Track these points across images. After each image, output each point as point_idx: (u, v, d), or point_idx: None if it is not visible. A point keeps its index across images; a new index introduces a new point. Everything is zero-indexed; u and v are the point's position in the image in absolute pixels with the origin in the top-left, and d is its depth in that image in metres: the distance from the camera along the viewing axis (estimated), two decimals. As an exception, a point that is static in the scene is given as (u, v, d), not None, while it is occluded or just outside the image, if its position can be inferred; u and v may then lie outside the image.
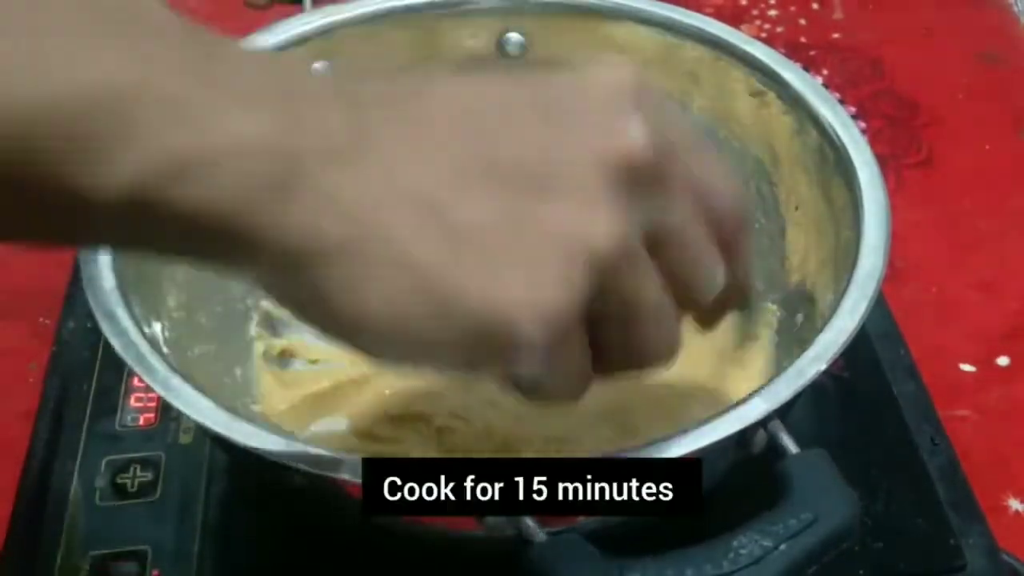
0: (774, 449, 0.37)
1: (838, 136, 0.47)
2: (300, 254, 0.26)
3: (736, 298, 0.35)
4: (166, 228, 0.25)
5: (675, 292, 0.31)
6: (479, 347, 0.28)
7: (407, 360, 0.29)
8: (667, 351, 0.32)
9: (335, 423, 0.51)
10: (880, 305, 0.58)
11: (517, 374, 0.30)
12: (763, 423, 0.37)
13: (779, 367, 0.40)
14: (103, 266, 0.41)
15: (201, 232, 0.25)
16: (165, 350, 0.41)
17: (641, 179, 0.29)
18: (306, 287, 0.27)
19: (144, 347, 0.39)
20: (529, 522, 0.35)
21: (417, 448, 0.50)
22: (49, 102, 0.23)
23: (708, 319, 0.36)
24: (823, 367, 0.38)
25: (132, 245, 0.29)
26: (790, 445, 0.37)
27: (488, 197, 0.27)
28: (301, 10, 0.54)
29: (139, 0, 0.26)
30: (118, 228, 0.26)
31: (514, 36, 0.56)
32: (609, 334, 0.31)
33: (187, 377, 0.38)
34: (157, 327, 0.42)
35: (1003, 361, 0.60)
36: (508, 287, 0.27)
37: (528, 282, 0.27)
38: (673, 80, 0.55)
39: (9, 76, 0.23)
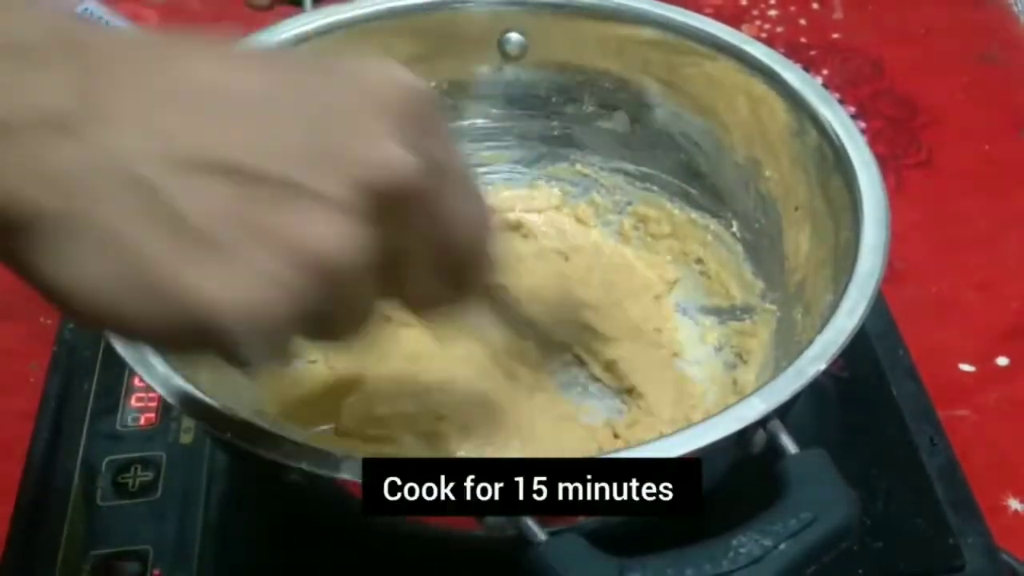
0: (774, 449, 0.37)
1: (838, 136, 0.47)
2: (6, 221, 0.25)
3: (450, 306, 0.35)
4: None
5: (387, 288, 0.32)
6: (187, 335, 0.28)
7: (122, 334, 0.30)
8: (347, 335, 0.32)
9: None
10: (880, 305, 0.58)
11: (228, 356, 0.29)
12: (762, 423, 0.37)
13: (778, 367, 0.40)
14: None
15: None
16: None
17: (391, 203, 0.28)
18: (17, 252, 0.26)
19: (145, 347, 0.39)
20: (529, 522, 0.35)
21: (408, 447, 0.50)
22: None
23: (417, 313, 0.36)
24: (823, 367, 0.38)
25: None
26: (789, 445, 0.37)
27: (217, 191, 0.26)
28: (302, 10, 0.54)
29: None
30: None
31: (514, 36, 0.56)
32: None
33: (187, 377, 0.38)
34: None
35: (1002, 361, 0.60)
36: (216, 283, 0.26)
37: (243, 280, 0.27)
38: (672, 80, 0.55)
39: None
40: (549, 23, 0.55)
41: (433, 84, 0.56)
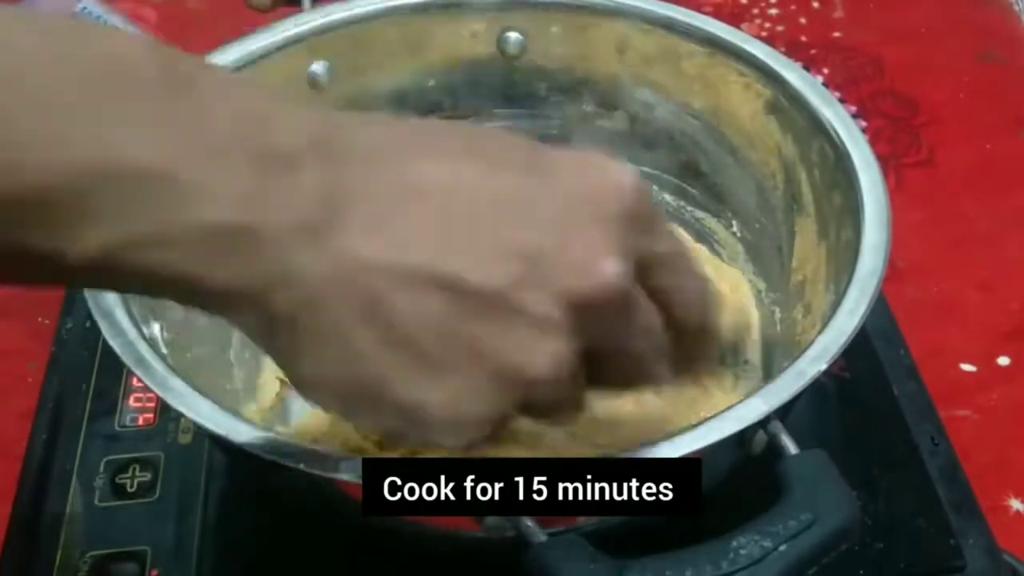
0: (774, 450, 0.37)
1: (839, 136, 0.47)
2: (259, 312, 0.28)
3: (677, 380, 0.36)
4: (132, 281, 0.27)
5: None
6: (395, 429, 0.31)
7: (340, 414, 0.32)
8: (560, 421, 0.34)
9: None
10: (880, 305, 0.58)
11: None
12: (763, 424, 0.37)
13: (778, 368, 0.40)
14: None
15: (164, 287, 0.27)
16: (164, 351, 0.41)
17: (602, 312, 0.30)
18: (265, 337, 0.29)
19: (143, 348, 0.39)
20: (529, 523, 0.35)
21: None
22: (26, 184, 0.25)
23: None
24: (823, 367, 0.38)
25: (108, 289, 0.31)
26: (790, 446, 0.37)
27: (436, 307, 0.28)
28: (301, 10, 0.54)
29: (121, 57, 0.26)
30: (91, 279, 0.29)
31: (513, 35, 0.56)
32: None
33: (186, 378, 0.38)
34: (156, 327, 0.42)
35: (1003, 361, 0.60)
36: (426, 394, 0.29)
37: (452, 390, 0.29)
38: (672, 79, 0.55)
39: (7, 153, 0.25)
40: (548, 22, 0.55)
41: (432, 83, 0.56)
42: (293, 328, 0.28)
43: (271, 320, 0.28)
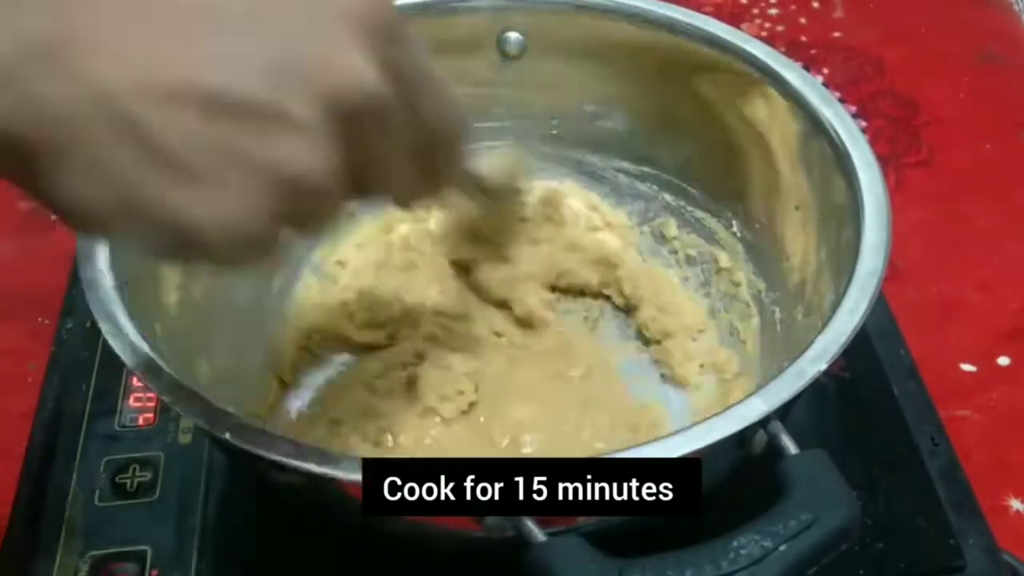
0: (774, 450, 0.37)
1: (839, 136, 0.47)
2: (6, 155, 0.28)
3: (428, 196, 0.38)
4: None
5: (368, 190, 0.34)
6: (173, 247, 0.30)
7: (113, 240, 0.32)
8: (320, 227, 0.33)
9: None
10: (880, 305, 0.58)
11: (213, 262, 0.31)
12: (763, 423, 0.37)
13: (778, 367, 0.40)
14: (102, 268, 0.41)
15: None
16: (163, 351, 0.41)
17: (358, 114, 0.30)
18: (18, 176, 0.29)
19: (144, 349, 0.39)
20: (529, 523, 0.35)
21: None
22: None
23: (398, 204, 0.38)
24: (823, 367, 0.38)
25: None
26: (790, 446, 0.37)
27: (192, 120, 0.28)
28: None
29: None
30: None
31: (513, 35, 0.56)
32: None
33: (186, 379, 0.38)
34: (157, 328, 0.42)
35: (1004, 361, 0.60)
36: (195, 206, 0.28)
37: (219, 202, 0.29)
38: (669, 78, 0.55)
39: None
40: (548, 22, 0.55)
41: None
42: (50, 159, 0.28)
43: (25, 157, 0.27)
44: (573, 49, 0.56)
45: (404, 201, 0.37)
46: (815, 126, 0.48)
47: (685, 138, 0.56)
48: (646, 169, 0.59)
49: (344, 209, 0.33)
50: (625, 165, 0.60)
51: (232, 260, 0.30)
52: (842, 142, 0.47)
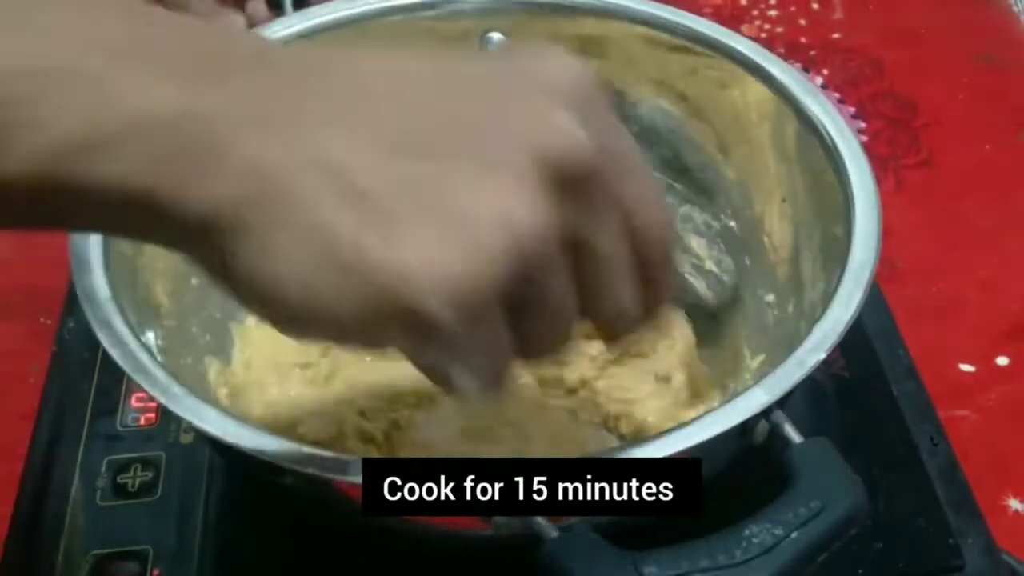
0: (778, 439, 0.37)
1: (826, 129, 0.47)
2: (213, 221, 0.26)
3: (645, 320, 0.32)
4: (79, 204, 0.25)
5: (580, 301, 0.30)
6: (382, 314, 0.26)
7: (316, 332, 0.28)
8: (553, 349, 0.31)
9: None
10: (880, 305, 0.58)
11: (428, 356, 0.28)
12: (765, 414, 0.37)
13: (774, 358, 0.41)
14: (97, 277, 0.41)
15: (114, 206, 0.25)
16: (159, 358, 0.41)
17: (572, 181, 0.27)
18: (219, 254, 0.26)
19: (143, 356, 0.39)
20: (539, 519, 0.35)
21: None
22: None
23: (610, 335, 0.33)
24: (822, 356, 0.38)
25: (53, 222, 0.28)
26: (793, 435, 0.37)
27: (402, 163, 0.26)
28: (282, 14, 0.54)
29: None
30: (33, 206, 0.25)
31: (495, 36, 0.56)
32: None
33: (184, 384, 0.38)
34: (151, 336, 0.42)
35: (1003, 361, 0.60)
36: (412, 249, 0.26)
37: (438, 247, 0.26)
38: (656, 77, 0.55)
39: None
40: (529, 22, 0.55)
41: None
42: (250, 226, 0.26)
43: (228, 224, 0.26)
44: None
45: (615, 329, 0.32)
46: (802, 120, 0.49)
47: (669, 134, 0.56)
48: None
49: (575, 321, 0.30)
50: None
51: (450, 316, 0.26)
52: (829, 135, 0.47)
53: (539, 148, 0.27)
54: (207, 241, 0.26)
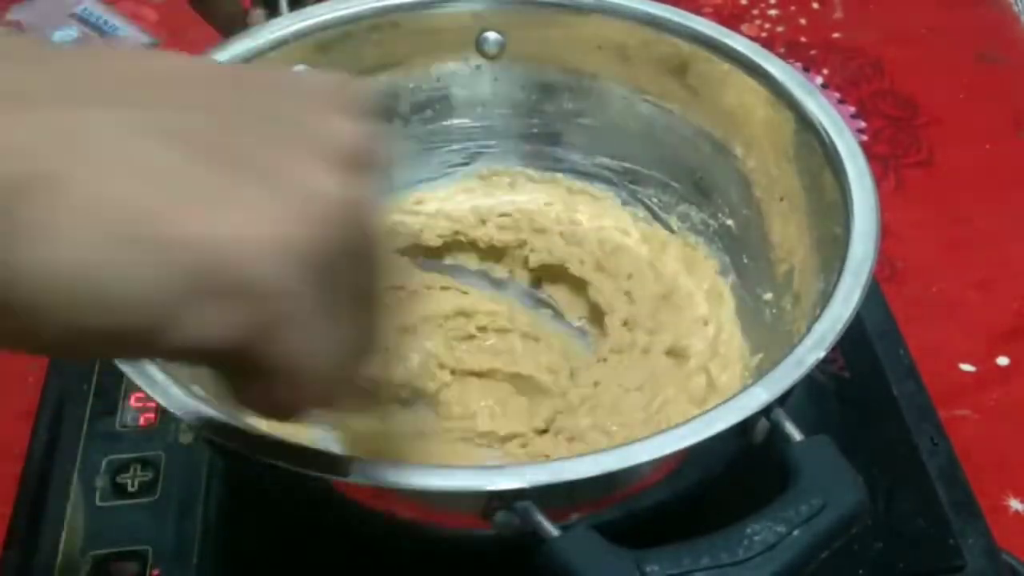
0: (779, 437, 0.37)
1: (823, 126, 0.47)
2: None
3: None
4: None
5: None
6: (198, 296, 0.23)
7: (94, 341, 0.23)
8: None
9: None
10: (880, 305, 0.58)
11: (260, 356, 0.24)
12: (765, 412, 0.37)
13: (773, 356, 0.40)
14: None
15: None
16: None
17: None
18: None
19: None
20: (540, 517, 0.35)
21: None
22: None
23: None
24: (821, 354, 0.38)
25: None
26: (794, 433, 0.37)
27: (207, 123, 0.24)
28: (278, 14, 0.54)
29: None
30: None
31: (492, 35, 0.56)
32: None
33: (185, 386, 0.38)
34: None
35: (1003, 361, 0.60)
36: (238, 218, 0.23)
37: (264, 214, 0.23)
38: (652, 76, 0.55)
39: None
40: (526, 21, 0.55)
41: (412, 86, 0.57)
42: (19, 205, 0.22)
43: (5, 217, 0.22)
44: (551, 47, 0.56)
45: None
46: (799, 118, 0.49)
47: (667, 132, 0.56)
48: (627, 165, 0.59)
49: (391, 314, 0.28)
50: (606, 161, 0.60)
51: (280, 284, 0.24)
52: (827, 132, 0.47)
53: (328, 145, 0.26)
54: None
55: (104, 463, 0.51)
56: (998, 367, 0.60)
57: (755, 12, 0.84)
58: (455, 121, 0.59)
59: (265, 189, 0.24)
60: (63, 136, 0.22)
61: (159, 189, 0.23)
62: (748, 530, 0.34)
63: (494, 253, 0.59)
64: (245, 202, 0.23)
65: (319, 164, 0.25)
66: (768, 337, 0.51)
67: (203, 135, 0.24)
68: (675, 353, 0.53)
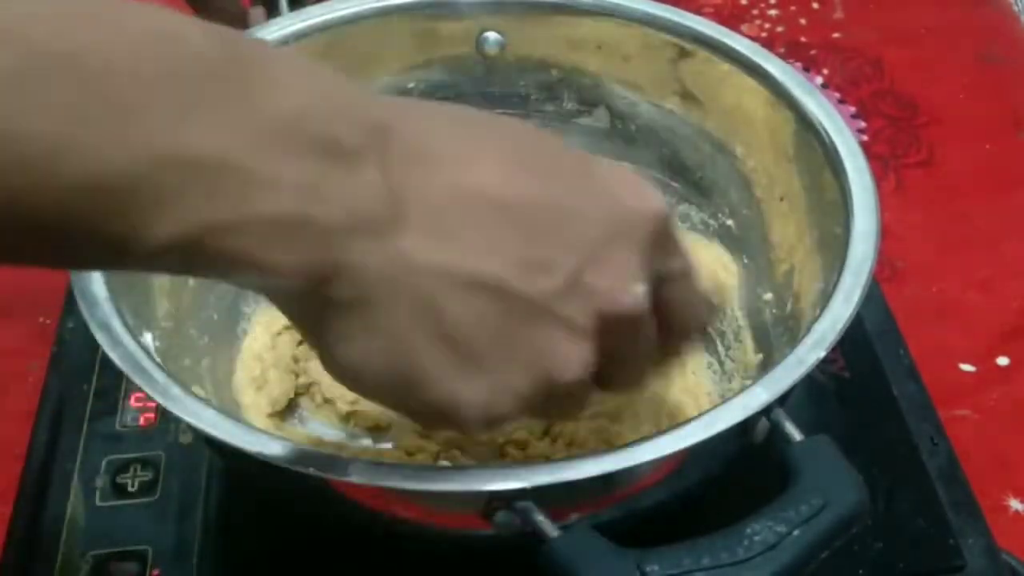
0: (779, 437, 0.37)
1: (823, 126, 0.47)
2: (313, 297, 0.30)
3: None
4: (208, 268, 0.29)
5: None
6: (427, 419, 0.34)
7: (370, 399, 0.33)
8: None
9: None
10: (880, 305, 0.58)
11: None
12: (765, 412, 0.37)
13: (773, 356, 0.40)
14: (96, 278, 0.41)
15: (238, 272, 0.29)
16: (157, 360, 0.40)
17: (620, 324, 0.33)
18: (310, 320, 0.31)
19: (142, 357, 0.39)
20: (541, 517, 0.35)
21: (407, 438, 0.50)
22: (115, 171, 0.26)
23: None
24: (822, 354, 0.38)
25: (178, 273, 0.31)
26: (794, 432, 0.37)
27: (484, 308, 0.30)
28: (278, 14, 0.54)
29: (182, 39, 0.27)
30: (165, 265, 0.29)
31: (492, 35, 0.56)
32: None
33: (183, 386, 0.38)
34: (148, 337, 0.42)
35: (1003, 361, 0.60)
36: (467, 390, 0.31)
37: (488, 390, 0.31)
38: (653, 76, 0.55)
39: (97, 151, 0.25)
40: (526, 22, 0.55)
41: (412, 86, 0.56)
42: (344, 316, 0.30)
43: (323, 306, 0.30)
44: (551, 48, 0.56)
45: (629, 387, 0.37)
46: (799, 117, 0.48)
47: (668, 132, 0.56)
48: (627, 165, 0.59)
49: (587, 402, 0.35)
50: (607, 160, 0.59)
51: (471, 433, 0.33)
52: (826, 132, 0.47)
53: (606, 311, 0.32)
54: (302, 304, 0.31)
55: (104, 463, 0.51)
56: (998, 367, 0.60)
57: (755, 12, 0.84)
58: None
59: (506, 363, 0.32)
60: (387, 278, 0.30)
61: (430, 342, 0.31)
62: (748, 530, 0.34)
63: None
64: (483, 373, 0.31)
65: (571, 335, 0.32)
66: (769, 337, 0.51)
67: (488, 295, 0.31)
68: None
